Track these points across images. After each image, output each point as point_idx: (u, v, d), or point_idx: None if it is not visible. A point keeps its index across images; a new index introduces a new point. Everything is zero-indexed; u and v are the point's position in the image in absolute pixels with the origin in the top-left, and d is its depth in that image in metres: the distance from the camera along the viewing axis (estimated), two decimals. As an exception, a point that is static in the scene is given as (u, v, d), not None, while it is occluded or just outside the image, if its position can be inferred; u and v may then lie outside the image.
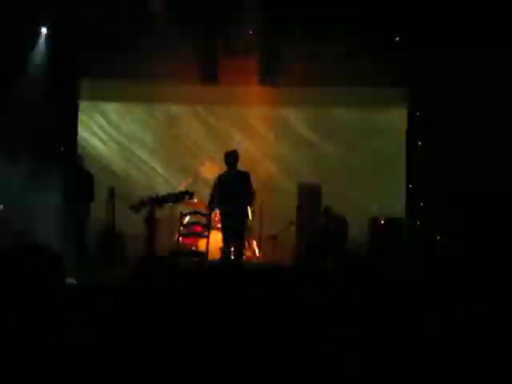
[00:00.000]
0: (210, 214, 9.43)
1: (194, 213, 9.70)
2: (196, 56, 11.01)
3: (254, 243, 10.60)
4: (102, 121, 11.31)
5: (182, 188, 9.59)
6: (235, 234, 8.97)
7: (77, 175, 9.04)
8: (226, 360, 1.69)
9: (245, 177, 8.98)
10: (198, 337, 1.70)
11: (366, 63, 10.65)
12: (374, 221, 10.39)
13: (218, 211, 9.53)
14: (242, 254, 9.26)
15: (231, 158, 9.04)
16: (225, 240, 9.10)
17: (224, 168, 9.14)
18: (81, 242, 8.90)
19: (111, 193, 9.26)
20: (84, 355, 1.89)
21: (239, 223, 8.98)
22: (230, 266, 8.43)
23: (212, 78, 11.18)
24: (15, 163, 9.35)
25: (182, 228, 9.61)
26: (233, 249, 9.11)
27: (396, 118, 11.00)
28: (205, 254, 9.26)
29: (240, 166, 8.88)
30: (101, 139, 11.27)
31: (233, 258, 9.04)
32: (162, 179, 11.23)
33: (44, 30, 10.62)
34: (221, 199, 9.02)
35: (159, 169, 11.32)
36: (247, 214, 9.28)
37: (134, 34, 10.56)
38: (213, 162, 11.11)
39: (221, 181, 9.08)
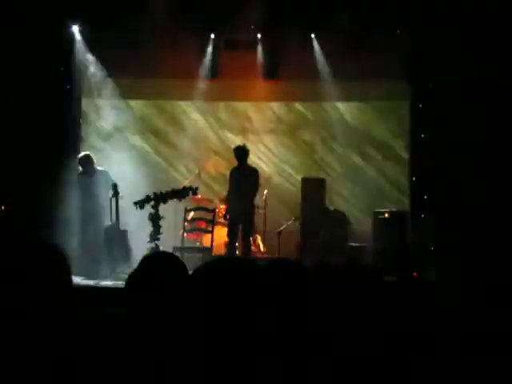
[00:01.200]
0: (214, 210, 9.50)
1: (198, 208, 9.72)
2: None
3: (259, 238, 10.60)
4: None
5: (186, 184, 9.60)
6: (241, 229, 9.01)
7: (94, 175, 9.10)
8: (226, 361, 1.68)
9: (251, 173, 9.02)
10: (204, 336, 1.69)
11: (368, 56, 10.67)
12: (377, 214, 10.34)
13: (222, 206, 9.58)
14: (250, 250, 9.28)
15: (238, 152, 9.10)
16: (229, 235, 9.13)
17: (232, 163, 9.20)
18: (96, 241, 8.97)
19: (115, 189, 9.25)
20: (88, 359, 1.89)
21: (245, 219, 9.01)
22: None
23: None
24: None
25: (186, 224, 9.63)
26: (237, 244, 9.15)
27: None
28: (209, 250, 9.28)
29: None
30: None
31: (238, 253, 9.07)
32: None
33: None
34: (229, 194, 9.12)
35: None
36: (253, 209, 9.30)
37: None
38: (217, 156, 11.14)
39: (231, 176, 9.18)
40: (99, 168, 9.34)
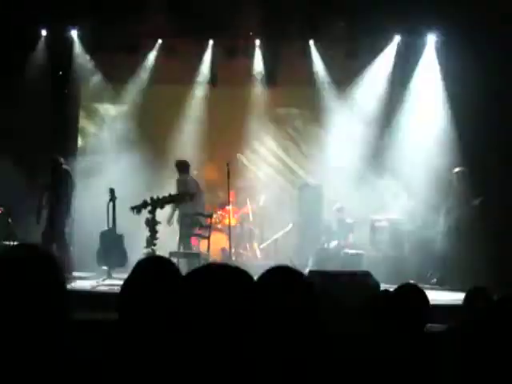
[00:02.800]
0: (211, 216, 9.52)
1: (195, 214, 9.70)
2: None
3: (255, 245, 10.59)
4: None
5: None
6: None
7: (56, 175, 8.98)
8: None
9: (186, 183, 9.51)
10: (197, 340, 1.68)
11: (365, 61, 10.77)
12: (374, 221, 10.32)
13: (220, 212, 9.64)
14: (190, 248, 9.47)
15: (177, 166, 9.92)
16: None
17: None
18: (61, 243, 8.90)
19: (112, 193, 9.23)
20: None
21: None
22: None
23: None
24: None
25: (183, 229, 9.61)
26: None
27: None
28: (206, 255, 9.25)
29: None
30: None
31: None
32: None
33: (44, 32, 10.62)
34: None
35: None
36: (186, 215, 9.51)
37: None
38: (212, 163, 11.12)
39: None
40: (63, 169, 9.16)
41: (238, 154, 11.23)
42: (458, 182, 9.42)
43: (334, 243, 10.14)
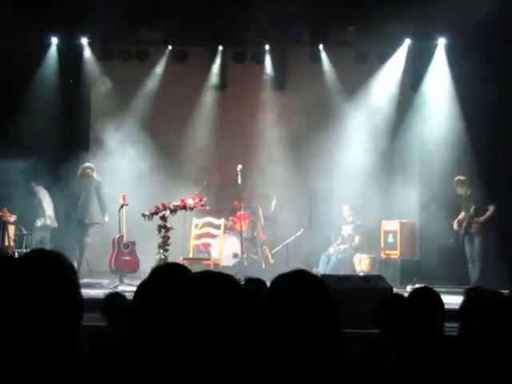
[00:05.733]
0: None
1: (206, 222, 9.70)
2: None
3: (267, 250, 10.56)
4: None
5: (194, 195, 9.58)
6: None
7: None
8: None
9: None
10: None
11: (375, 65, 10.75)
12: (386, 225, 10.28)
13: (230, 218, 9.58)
14: None
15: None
16: None
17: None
18: None
19: (123, 200, 9.25)
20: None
21: None
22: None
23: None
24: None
25: (194, 235, 9.61)
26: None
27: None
28: (218, 261, 9.25)
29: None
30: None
31: None
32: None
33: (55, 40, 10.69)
34: None
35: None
36: None
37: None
38: (223, 168, 11.10)
39: None
40: None
41: (249, 159, 11.20)
42: (458, 189, 9.32)
43: (344, 247, 10.13)
